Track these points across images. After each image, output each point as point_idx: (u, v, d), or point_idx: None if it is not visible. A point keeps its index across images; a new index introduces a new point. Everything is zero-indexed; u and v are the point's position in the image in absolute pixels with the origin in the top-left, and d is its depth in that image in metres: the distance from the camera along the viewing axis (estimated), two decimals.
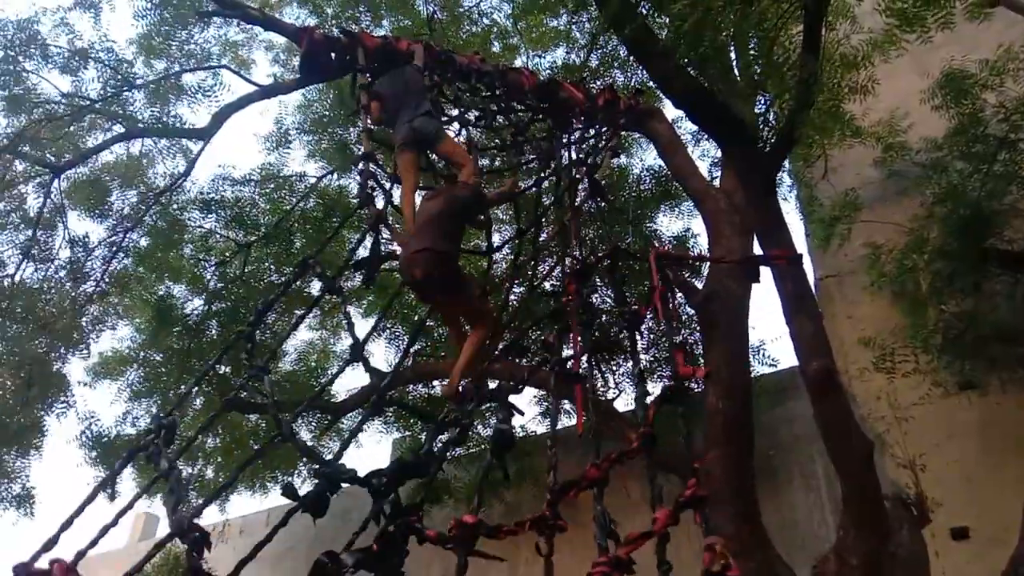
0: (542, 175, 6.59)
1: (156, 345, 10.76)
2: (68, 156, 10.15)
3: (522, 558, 7.58)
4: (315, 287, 11.22)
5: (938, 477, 6.78)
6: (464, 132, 6.39)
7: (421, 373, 10.21)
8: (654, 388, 9.50)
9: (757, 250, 6.38)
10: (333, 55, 6.30)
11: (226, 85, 10.63)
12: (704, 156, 11.00)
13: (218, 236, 11.29)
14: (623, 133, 7.96)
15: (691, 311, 8.31)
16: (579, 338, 4.57)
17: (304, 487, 11.19)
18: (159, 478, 3.47)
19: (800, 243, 8.11)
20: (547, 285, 6.75)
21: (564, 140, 6.73)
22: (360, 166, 4.96)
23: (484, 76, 6.76)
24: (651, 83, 9.12)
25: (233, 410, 8.92)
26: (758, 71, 6.80)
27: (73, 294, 10.60)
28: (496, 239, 7.42)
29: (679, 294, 6.71)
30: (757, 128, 6.36)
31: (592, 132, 6.62)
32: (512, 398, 4.60)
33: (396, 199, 5.19)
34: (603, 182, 6.24)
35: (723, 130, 6.33)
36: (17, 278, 10.29)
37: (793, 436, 9.02)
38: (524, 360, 5.83)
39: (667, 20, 6.99)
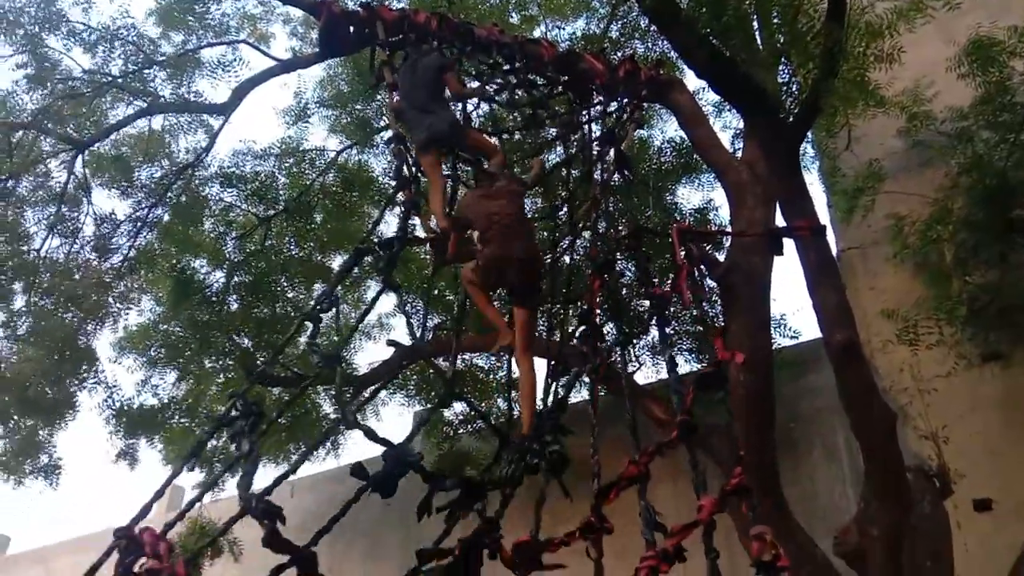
0: (569, 151, 6.56)
1: (176, 317, 10.88)
2: (91, 132, 10.21)
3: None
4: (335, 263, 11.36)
5: (961, 449, 6.76)
6: (484, 108, 6.36)
7: (442, 347, 10.26)
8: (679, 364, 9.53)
9: (779, 222, 6.35)
10: (352, 29, 6.30)
11: (245, 60, 10.66)
12: (726, 128, 10.90)
13: (239, 210, 11.36)
14: (644, 105, 7.90)
15: (712, 283, 8.28)
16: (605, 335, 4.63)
17: (329, 459, 11.34)
18: (240, 458, 3.55)
19: (822, 215, 8.03)
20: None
21: (586, 113, 6.69)
22: (392, 147, 5.01)
23: (503, 48, 6.71)
24: (671, 54, 9.03)
25: (259, 383, 9.02)
26: (781, 40, 6.71)
27: (100, 270, 10.73)
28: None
29: (700, 266, 6.70)
30: (780, 98, 6.30)
31: (615, 105, 6.56)
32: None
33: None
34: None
35: (746, 100, 6.28)
36: (43, 252, 10.46)
37: (814, 408, 9.01)
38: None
39: None
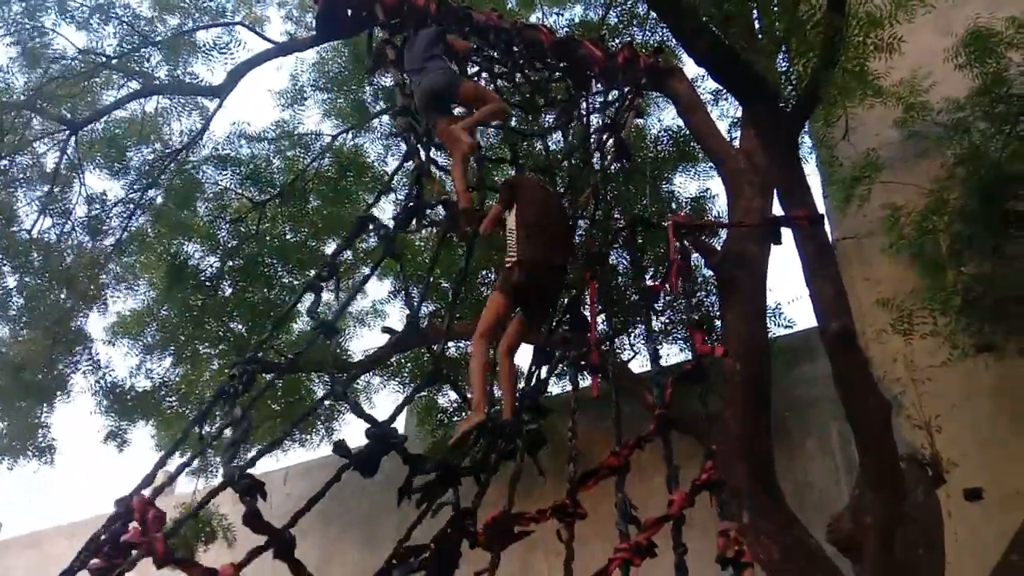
0: (569, 138, 6.54)
1: (169, 300, 10.82)
2: (85, 113, 10.13)
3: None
4: (330, 248, 11.30)
5: (953, 439, 6.80)
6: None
7: (436, 333, 10.23)
8: (669, 351, 9.54)
9: (777, 211, 6.34)
10: (350, 12, 6.26)
11: (241, 42, 10.57)
12: (723, 116, 10.89)
13: (233, 194, 11.30)
14: (643, 92, 7.89)
15: (709, 272, 8.28)
16: (596, 328, 4.63)
17: (323, 446, 11.32)
18: (230, 424, 3.49)
19: (819, 204, 8.05)
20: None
21: (585, 100, 6.68)
22: (399, 121, 4.98)
23: (502, 33, 6.69)
24: (670, 41, 9.00)
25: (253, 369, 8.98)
26: (781, 29, 6.69)
27: (92, 250, 10.67)
28: None
29: (695, 255, 6.70)
30: (780, 87, 6.28)
31: (615, 92, 6.54)
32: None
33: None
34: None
35: (746, 89, 6.25)
36: (35, 233, 10.40)
37: (809, 398, 9.04)
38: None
39: None
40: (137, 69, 10.19)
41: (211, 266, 11.05)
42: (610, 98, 6.68)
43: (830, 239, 7.36)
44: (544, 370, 4.67)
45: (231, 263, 10.94)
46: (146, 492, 3.28)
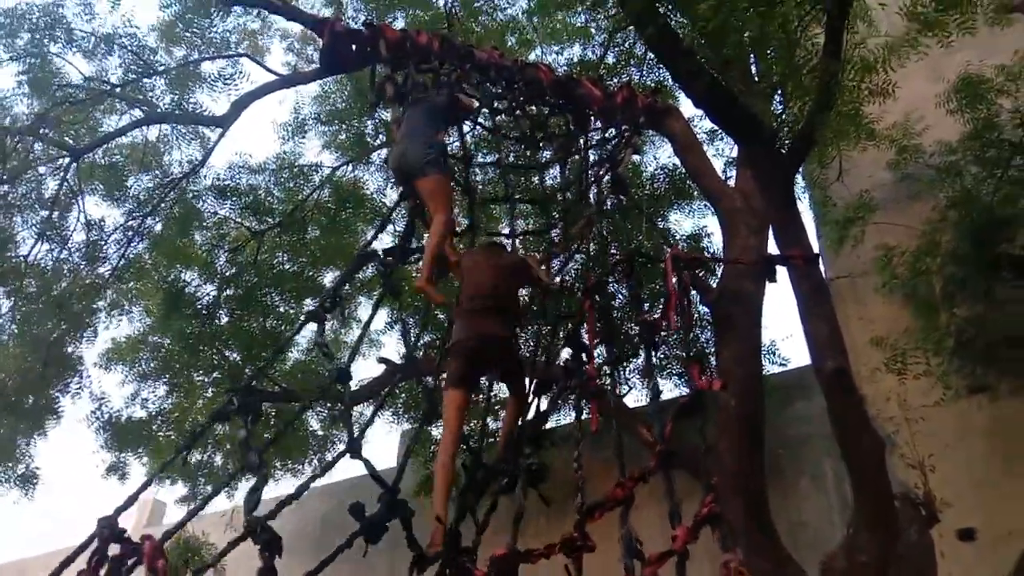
0: (567, 174, 6.62)
1: (166, 329, 10.82)
2: (86, 140, 10.20)
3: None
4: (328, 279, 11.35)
5: (947, 479, 6.82)
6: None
7: (430, 364, 10.24)
8: (664, 386, 9.55)
9: (773, 249, 6.43)
10: (354, 47, 6.35)
11: (245, 73, 10.70)
12: (718, 155, 11.03)
13: (232, 223, 11.36)
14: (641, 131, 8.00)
15: (704, 308, 8.34)
16: (595, 356, 4.66)
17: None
18: (243, 467, 3.52)
19: (813, 245, 8.14)
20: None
21: (583, 138, 6.78)
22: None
23: (503, 71, 6.80)
24: (667, 81, 9.14)
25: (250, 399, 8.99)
26: (777, 73, 6.83)
27: (88, 277, 10.69)
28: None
29: (693, 292, 6.76)
30: (776, 129, 6.40)
31: (613, 130, 6.65)
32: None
33: None
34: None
35: (743, 130, 6.37)
36: (31, 259, 10.40)
37: (802, 436, 9.05)
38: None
39: (687, 20, 7.04)
40: (140, 97, 10.29)
41: (208, 294, 11.07)
42: (608, 135, 6.78)
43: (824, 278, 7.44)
44: (544, 401, 4.69)
45: (228, 291, 10.96)
46: (156, 533, 3.32)
